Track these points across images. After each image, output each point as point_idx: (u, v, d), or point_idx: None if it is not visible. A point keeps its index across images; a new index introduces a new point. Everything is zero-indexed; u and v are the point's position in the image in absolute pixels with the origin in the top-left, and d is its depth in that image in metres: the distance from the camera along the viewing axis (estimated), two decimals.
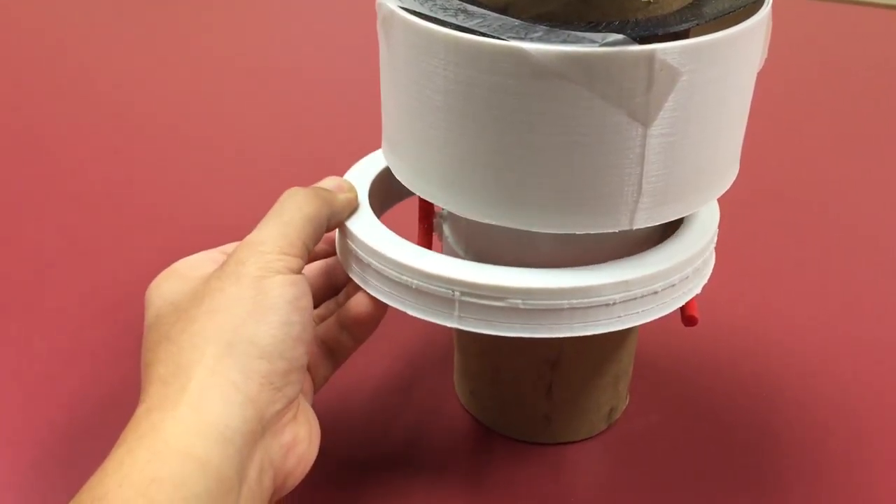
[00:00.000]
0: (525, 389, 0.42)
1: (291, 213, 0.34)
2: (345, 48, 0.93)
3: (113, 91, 0.83)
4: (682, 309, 0.37)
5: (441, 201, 0.34)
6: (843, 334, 0.51)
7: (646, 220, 0.32)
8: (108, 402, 0.45)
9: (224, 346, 0.30)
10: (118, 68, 0.87)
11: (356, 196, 0.38)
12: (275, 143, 0.74)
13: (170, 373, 0.30)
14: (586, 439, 0.44)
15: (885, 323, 0.52)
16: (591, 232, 0.32)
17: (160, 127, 0.76)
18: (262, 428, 0.30)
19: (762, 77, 0.34)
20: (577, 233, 0.32)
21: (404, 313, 0.36)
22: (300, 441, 0.33)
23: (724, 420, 0.45)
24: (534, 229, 0.32)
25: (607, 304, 0.33)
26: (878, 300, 0.54)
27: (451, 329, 0.45)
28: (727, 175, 0.34)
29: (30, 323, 0.51)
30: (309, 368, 0.37)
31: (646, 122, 0.30)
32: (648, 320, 0.34)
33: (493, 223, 0.33)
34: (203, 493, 0.27)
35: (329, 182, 0.38)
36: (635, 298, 0.33)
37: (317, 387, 0.38)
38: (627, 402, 0.45)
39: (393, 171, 0.37)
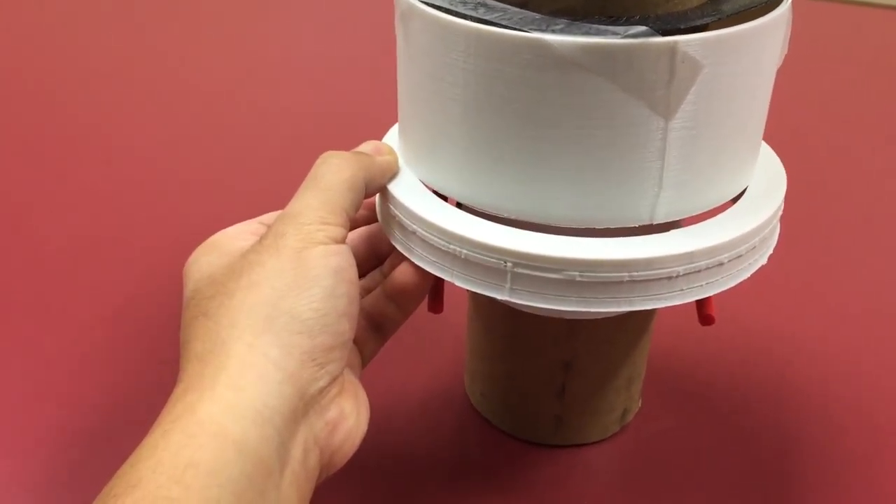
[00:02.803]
0: (537, 391, 0.42)
1: (328, 178, 0.33)
2: (366, 33, 0.93)
3: (117, 86, 0.83)
4: (700, 307, 0.37)
5: (458, 195, 0.34)
6: (862, 336, 0.51)
7: (666, 214, 0.32)
8: (117, 402, 0.45)
9: (263, 321, 0.29)
10: (125, 57, 0.88)
11: (396, 159, 0.36)
12: (293, 128, 0.75)
13: (207, 350, 0.29)
14: (598, 442, 0.43)
15: None
16: (611, 226, 0.32)
17: (168, 119, 0.76)
18: (305, 406, 0.29)
19: (778, 75, 0.34)
20: (597, 227, 0.32)
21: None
22: (347, 416, 0.31)
23: (738, 422, 0.44)
24: (552, 223, 0.32)
25: (670, 277, 0.31)
26: None
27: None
28: (748, 170, 0.34)
29: (37, 324, 0.51)
30: (356, 342, 0.36)
31: (667, 115, 0.29)
32: (713, 293, 0.33)
33: (512, 216, 0.33)
34: (240, 476, 0.26)
35: (367, 146, 0.37)
36: (699, 271, 0.31)
37: (364, 361, 0.37)
38: (640, 405, 0.45)
39: (407, 166, 0.37)
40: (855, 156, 0.71)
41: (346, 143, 0.38)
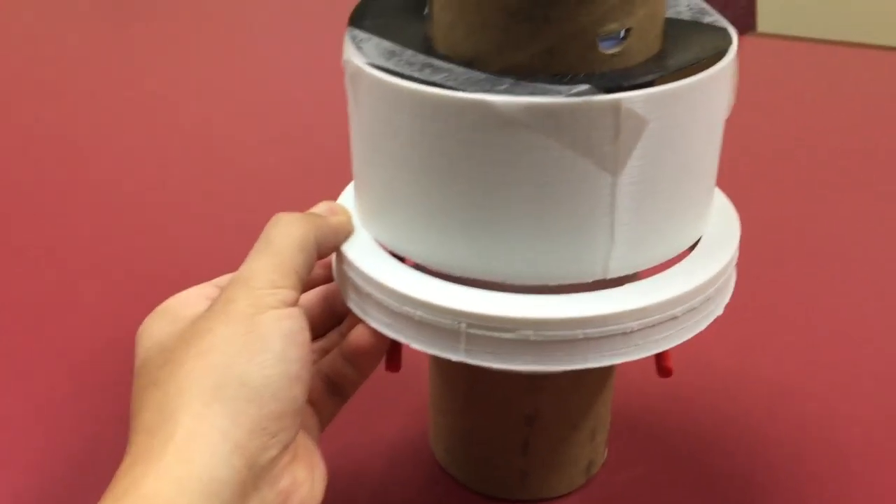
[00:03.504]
0: (501, 446, 0.41)
1: (279, 241, 0.32)
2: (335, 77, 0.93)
3: (102, 125, 0.82)
4: (658, 360, 0.37)
5: (411, 255, 0.34)
6: (830, 377, 0.50)
7: (620, 269, 0.32)
8: (79, 464, 0.44)
9: (212, 390, 0.28)
10: (97, 95, 0.87)
11: (350, 219, 0.36)
12: (266, 168, 0.75)
13: (155, 421, 0.28)
14: (565, 495, 0.43)
15: (875, 365, 0.51)
16: (565, 283, 0.32)
17: (141, 174, 0.75)
18: (255, 477, 0.29)
19: (733, 120, 0.35)
20: (550, 284, 0.32)
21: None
22: (300, 484, 0.30)
23: (706, 470, 0.44)
24: (506, 281, 0.32)
25: (624, 333, 0.31)
26: (867, 340, 0.54)
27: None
28: (701, 220, 0.34)
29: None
30: (314, 404, 0.36)
31: (614, 172, 0.30)
32: (669, 347, 0.32)
33: (465, 275, 0.32)
34: None
35: (321, 207, 0.36)
36: (654, 325, 0.31)
37: (323, 424, 0.36)
38: (606, 456, 0.45)
39: (362, 225, 0.36)
40: (828, 195, 0.72)
41: (315, 197, 0.37)
